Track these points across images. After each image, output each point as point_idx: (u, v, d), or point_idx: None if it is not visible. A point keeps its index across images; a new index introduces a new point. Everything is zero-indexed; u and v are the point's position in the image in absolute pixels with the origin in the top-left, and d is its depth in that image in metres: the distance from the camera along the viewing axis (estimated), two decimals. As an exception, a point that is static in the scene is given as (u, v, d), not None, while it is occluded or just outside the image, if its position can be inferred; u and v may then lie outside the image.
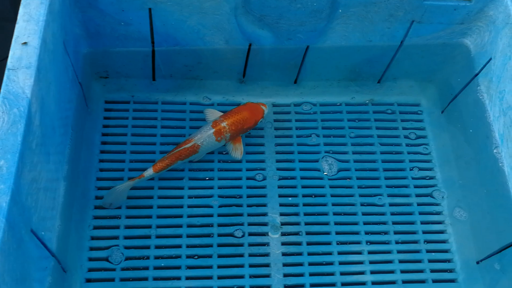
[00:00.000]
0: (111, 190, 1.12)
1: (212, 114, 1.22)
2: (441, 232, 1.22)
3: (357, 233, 1.21)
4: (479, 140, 1.14)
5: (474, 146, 1.17)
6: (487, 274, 1.10)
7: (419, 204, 1.25)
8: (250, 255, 1.17)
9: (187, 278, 1.13)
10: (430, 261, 1.18)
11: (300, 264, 1.17)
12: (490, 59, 1.14)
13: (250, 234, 1.19)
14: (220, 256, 1.16)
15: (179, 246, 1.16)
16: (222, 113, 1.21)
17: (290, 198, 1.24)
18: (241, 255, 1.17)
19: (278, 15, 1.11)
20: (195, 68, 1.28)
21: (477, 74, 1.17)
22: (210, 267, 1.15)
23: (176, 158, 1.16)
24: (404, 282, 1.16)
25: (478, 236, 1.14)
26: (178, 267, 1.14)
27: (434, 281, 1.16)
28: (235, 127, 1.18)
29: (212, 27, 1.15)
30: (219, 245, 1.17)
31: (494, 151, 1.08)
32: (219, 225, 1.19)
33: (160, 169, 1.15)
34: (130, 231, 1.17)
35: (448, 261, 1.19)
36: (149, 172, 1.14)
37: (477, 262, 1.12)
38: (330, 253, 1.18)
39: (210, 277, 1.14)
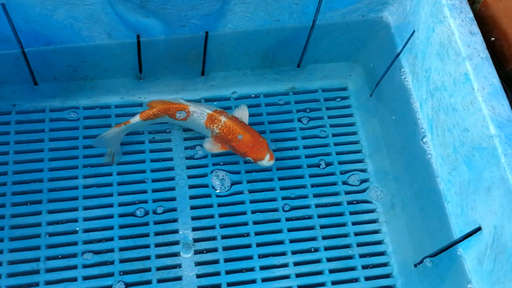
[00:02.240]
0: (98, 138, 1.05)
1: (242, 112, 1.08)
2: (376, 232, 1.09)
3: (281, 242, 1.06)
4: (408, 127, 1.00)
5: (403, 135, 1.02)
6: (425, 279, 0.97)
7: (349, 203, 1.11)
8: (159, 281, 1.01)
9: (85, 316, 0.97)
10: (364, 267, 1.05)
11: (218, 286, 1.02)
12: (414, 31, 0.99)
13: (158, 257, 1.03)
14: (126, 285, 1.00)
15: (75, 280, 0.99)
16: (243, 121, 1.05)
17: (204, 210, 1.08)
18: (149, 282, 1.01)
19: (162, 0, 0.94)
20: (80, 68, 1.09)
21: (400, 51, 1.03)
22: (112, 299, 0.99)
23: (164, 111, 1.04)
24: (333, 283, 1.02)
25: (414, 236, 1.01)
26: (75, 304, 0.98)
27: (370, 289, 1.03)
28: (227, 133, 1.02)
29: (87, 20, 0.97)
30: (123, 273, 1.01)
31: (423, 140, 0.94)
32: (121, 249, 1.03)
33: (146, 117, 1.04)
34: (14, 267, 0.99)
35: (385, 265, 1.06)
36: (136, 119, 1.04)
37: (415, 265, 0.99)
38: (251, 269, 1.04)
39: (113, 312, 0.98)
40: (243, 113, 1.08)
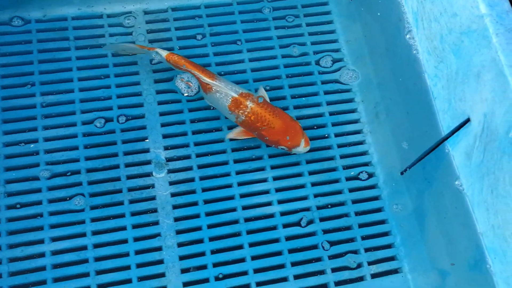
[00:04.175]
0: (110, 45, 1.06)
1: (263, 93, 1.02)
2: (360, 143, 1.07)
3: (260, 158, 1.05)
4: (392, 25, 0.97)
5: (387, 34, 1.00)
6: (412, 185, 0.97)
7: (331, 114, 1.09)
8: (131, 201, 0.99)
9: (53, 239, 0.95)
10: (348, 179, 1.04)
11: (194, 204, 1.00)
12: None
13: (129, 177, 1.01)
14: (93, 207, 0.98)
15: (39, 203, 0.97)
16: (271, 104, 0.98)
17: (176, 127, 1.05)
18: (120, 203, 0.99)
19: None
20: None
21: None
22: (81, 222, 0.97)
23: (192, 67, 0.99)
24: (319, 208, 1.01)
25: (400, 143, 1.00)
26: (40, 228, 0.95)
27: (355, 201, 1.02)
28: (254, 120, 0.95)
29: None
30: (92, 195, 0.98)
31: (408, 36, 0.91)
32: (89, 170, 1.00)
33: (172, 59, 1.00)
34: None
35: (370, 175, 1.05)
36: (162, 53, 1.01)
37: (401, 173, 0.99)
38: (229, 186, 1.02)
39: (82, 235, 0.96)
40: (264, 95, 1.01)
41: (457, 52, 0.79)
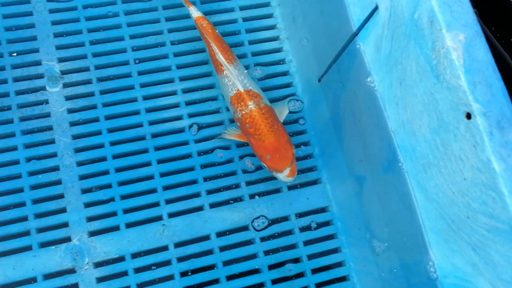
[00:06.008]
0: None
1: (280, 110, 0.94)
2: (277, 51, 1.04)
3: (168, 69, 1.00)
4: None
5: None
6: (329, 91, 0.94)
7: (245, 20, 1.04)
8: (22, 119, 0.93)
9: None
10: (265, 89, 1.00)
11: (94, 120, 0.95)
12: None
13: (19, 93, 0.94)
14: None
15: None
16: (276, 118, 0.89)
17: (71, 37, 0.98)
18: (10, 122, 0.93)
19: None
20: None
21: None
22: (-34, 144, 0.90)
23: (214, 40, 0.91)
24: (232, 121, 0.98)
25: (317, 46, 0.96)
26: None
27: (271, 112, 1.00)
28: (249, 123, 0.86)
29: None
30: (-24, 114, 0.92)
31: None
32: (-29, 86, 0.93)
33: (200, 24, 0.94)
34: None
35: (288, 85, 1.02)
36: (194, 13, 0.96)
37: (319, 80, 0.96)
38: (134, 100, 0.97)
39: (-32, 158, 0.90)
40: (281, 112, 0.93)
41: None
